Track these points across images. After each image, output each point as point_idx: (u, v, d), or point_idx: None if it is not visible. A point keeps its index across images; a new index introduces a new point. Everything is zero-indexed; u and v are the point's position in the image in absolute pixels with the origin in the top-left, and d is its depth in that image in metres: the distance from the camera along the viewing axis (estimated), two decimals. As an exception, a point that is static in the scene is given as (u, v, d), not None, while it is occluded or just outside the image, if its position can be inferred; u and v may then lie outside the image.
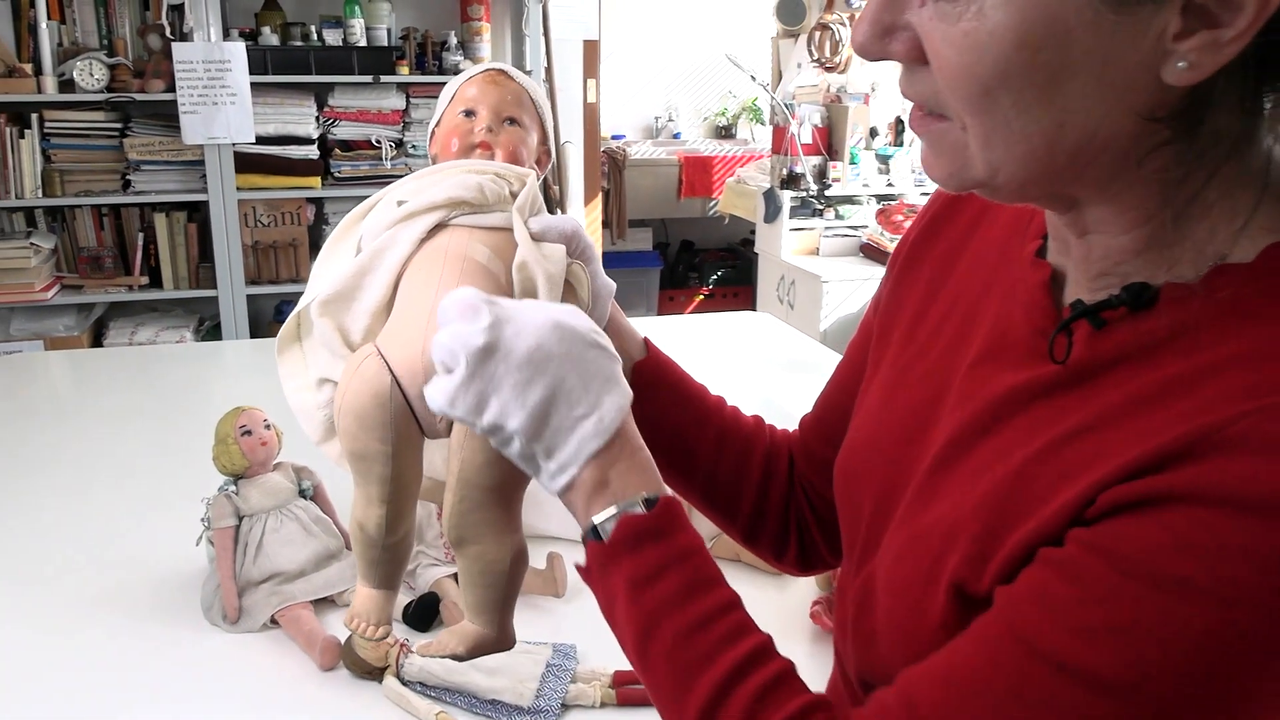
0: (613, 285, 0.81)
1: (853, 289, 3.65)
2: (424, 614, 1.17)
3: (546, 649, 1.10)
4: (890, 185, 3.96)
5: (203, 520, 1.21)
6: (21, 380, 2.19)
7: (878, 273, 3.67)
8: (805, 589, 1.28)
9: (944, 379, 0.64)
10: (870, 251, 3.83)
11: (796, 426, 0.89)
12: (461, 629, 0.74)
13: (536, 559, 1.24)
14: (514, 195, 0.78)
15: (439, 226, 0.75)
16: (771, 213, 3.92)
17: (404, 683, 1.05)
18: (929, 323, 0.68)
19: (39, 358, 2.60)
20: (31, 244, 3.16)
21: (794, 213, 3.89)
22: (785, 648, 1.17)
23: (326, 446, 0.80)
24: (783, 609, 1.24)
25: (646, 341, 0.85)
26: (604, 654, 1.13)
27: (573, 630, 1.18)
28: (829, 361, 2.26)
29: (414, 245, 0.75)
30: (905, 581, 0.59)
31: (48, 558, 1.34)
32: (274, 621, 1.15)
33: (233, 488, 1.20)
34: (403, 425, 0.71)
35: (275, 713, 1.04)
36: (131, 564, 1.31)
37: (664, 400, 0.82)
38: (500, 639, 0.74)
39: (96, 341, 3.33)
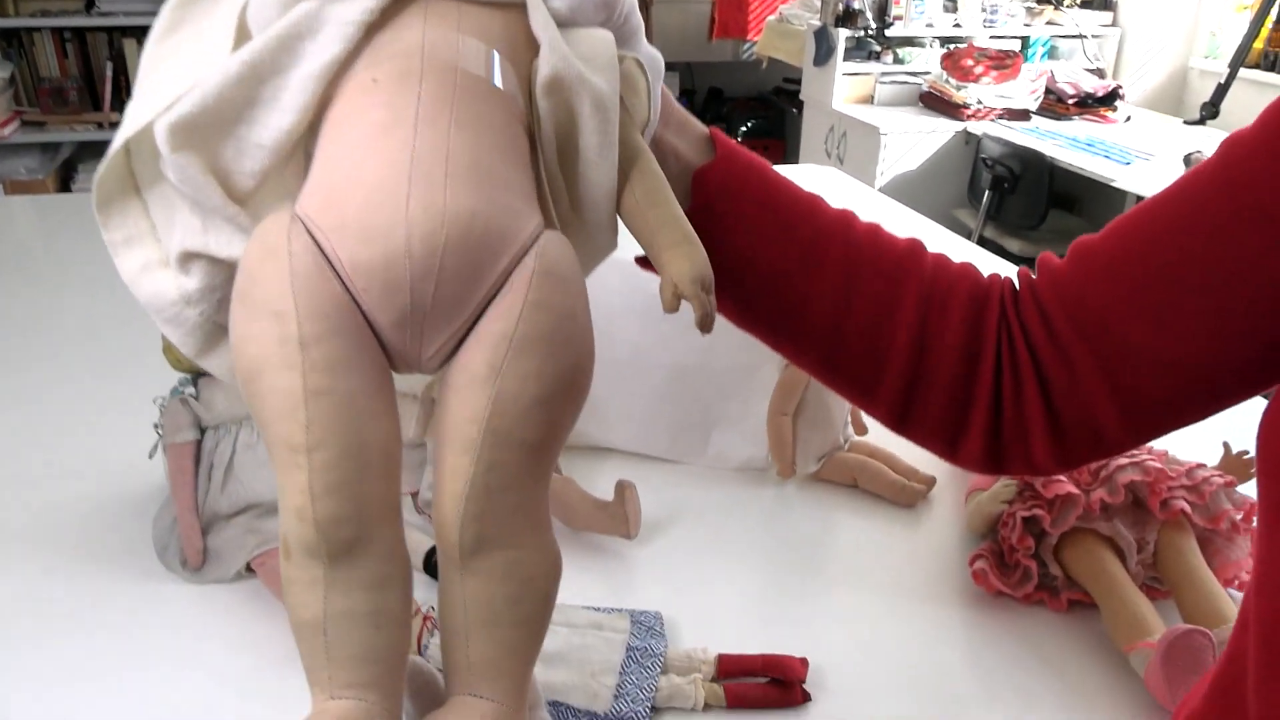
0: (660, 61, 0.53)
1: (913, 143, 3.25)
2: (453, 563, 0.87)
3: (624, 619, 0.81)
4: (958, 25, 3.52)
5: (156, 427, 0.89)
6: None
7: (940, 125, 3.29)
8: (951, 530, 0.98)
9: None
10: (932, 101, 3.42)
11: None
12: (465, 709, 0.43)
13: (598, 486, 0.94)
14: None
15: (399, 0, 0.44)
16: (823, 54, 3.48)
17: (429, 669, 0.75)
18: None
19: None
20: (-17, 72, 2.77)
21: (847, 55, 3.47)
22: (932, 614, 0.89)
23: (211, 360, 0.50)
24: (921, 556, 0.94)
25: (714, 135, 0.55)
26: (698, 623, 0.83)
27: (652, 587, 0.88)
28: (912, 222, 1.91)
29: (357, 35, 0.43)
30: None
31: (-37, 464, 1.03)
32: (250, 569, 0.86)
33: (191, 389, 0.88)
34: (351, 348, 0.41)
35: (247, 695, 0.74)
36: (73, 477, 1.00)
37: (749, 224, 0.54)
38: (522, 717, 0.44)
39: (64, 187, 2.97)
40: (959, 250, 1.65)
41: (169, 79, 0.45)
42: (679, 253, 0.46)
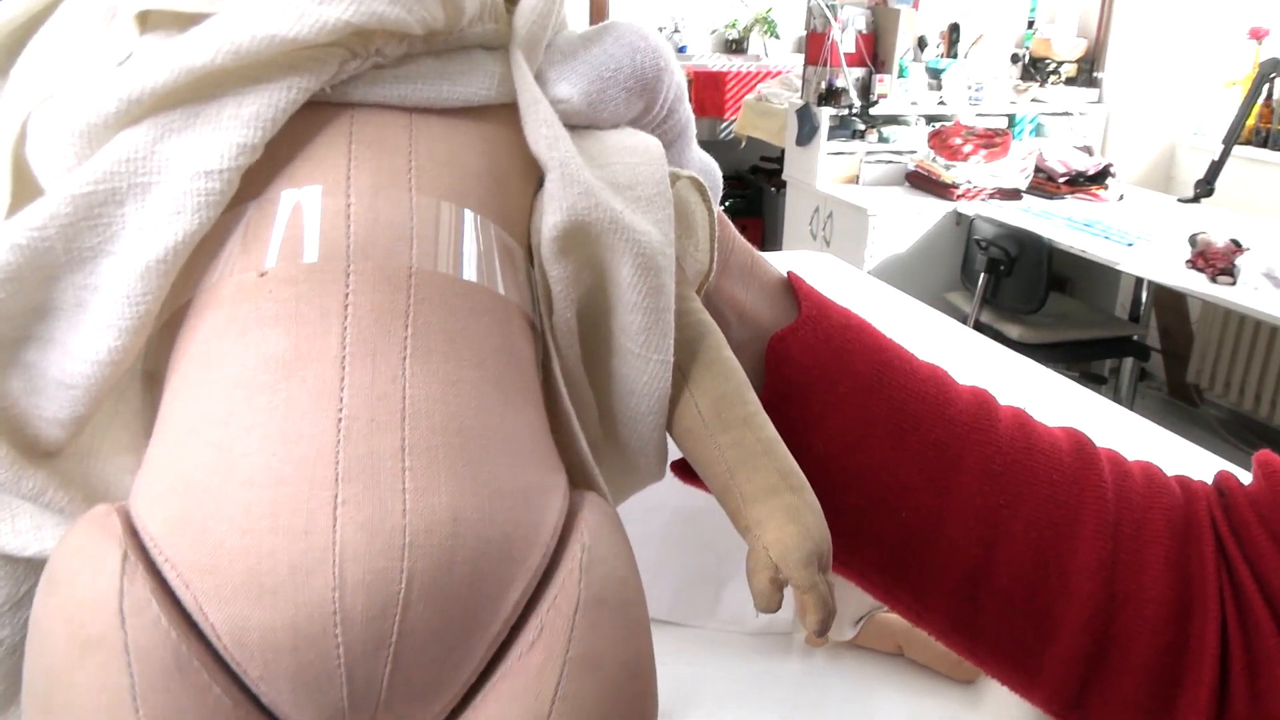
0: (718, 173, 0.37)
1: (902, 224, 3.13)
2: None
3: None
4: (942, 104, 3.44)
5: None
6: None
7: (929, 205, 3.18)
8: (1025, 712, 0.79)
9: None
10: (919, 180, 3.31)
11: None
12: None
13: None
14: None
15: (311, 107, 0.26)
16: (806, 134, 3.38)
17: None
18: None
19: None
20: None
21: (830, 134, 3.36)
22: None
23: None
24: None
25: (793, 282, 0.38)
26: None
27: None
28: (905, 307, 1.75)
29: (227, 194, 0.25)
30: None
31: None
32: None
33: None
34: None
35: None
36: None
37: (848, 419, 0.37)
38: None
39: None
40: (955, 338, 1.48)
41: None
42: (778, 509, 0.29)
